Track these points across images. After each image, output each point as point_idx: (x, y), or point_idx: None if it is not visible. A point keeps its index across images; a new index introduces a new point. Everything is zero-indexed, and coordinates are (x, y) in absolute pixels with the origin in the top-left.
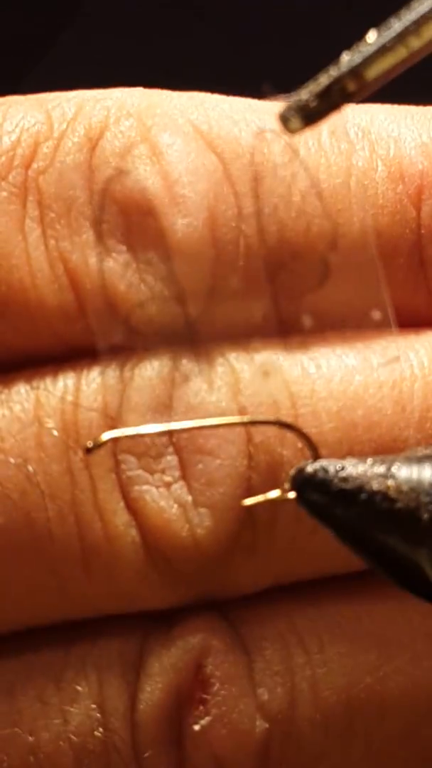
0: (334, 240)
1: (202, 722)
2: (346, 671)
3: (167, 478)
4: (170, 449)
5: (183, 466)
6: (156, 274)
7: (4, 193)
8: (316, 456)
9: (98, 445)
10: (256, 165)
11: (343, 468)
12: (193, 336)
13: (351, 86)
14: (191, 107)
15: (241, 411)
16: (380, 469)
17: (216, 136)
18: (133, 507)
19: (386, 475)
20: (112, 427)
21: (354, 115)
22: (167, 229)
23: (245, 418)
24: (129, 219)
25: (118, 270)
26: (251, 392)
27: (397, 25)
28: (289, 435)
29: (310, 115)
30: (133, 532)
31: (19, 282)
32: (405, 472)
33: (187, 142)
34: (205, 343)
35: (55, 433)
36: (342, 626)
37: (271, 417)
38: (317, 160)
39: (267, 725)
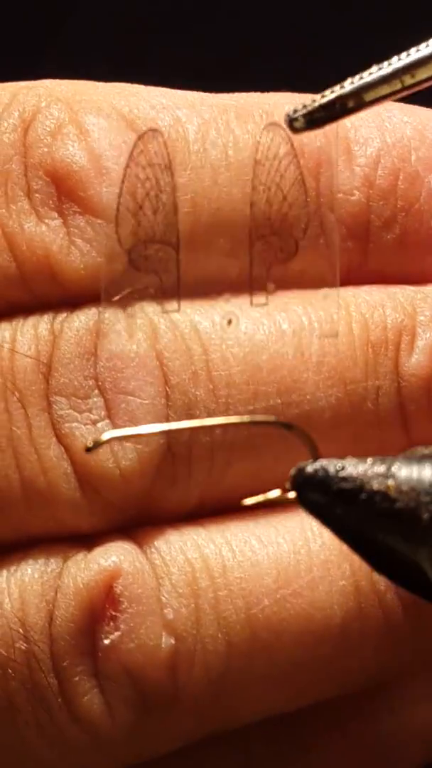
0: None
1: (112, 637)
2: (245, 594)
3: (94, 417)
4: (96, 391)
5: (108, 406)
6: (84, 237)
7: None
8: (316, 456)
9: (98, 445)
10: (171, 143)
11: (343, 468)
12: (115, 292)
13: (350, 103)
14: (113, 93)
15: (159, 357)
16: (380, 468)
17: (135, 117)
18: (64, 442)
19: (386, 475)
20: (45, 372)
21: (259, 101)
22: (94, 198)
23: (245, 419)
24: (60, 189)
25: (51, 234)
26: (167, 340)
27: (397, 63)
28: (203, 378)
29: (313, 121)
30: (65, 464)
31: None
32: (405, 472)
33: (110, 123)
34: (126, 299)
35: None
36: (244, 553)
37: (271, 418)
38: (227, 138)
39: (173, 641)
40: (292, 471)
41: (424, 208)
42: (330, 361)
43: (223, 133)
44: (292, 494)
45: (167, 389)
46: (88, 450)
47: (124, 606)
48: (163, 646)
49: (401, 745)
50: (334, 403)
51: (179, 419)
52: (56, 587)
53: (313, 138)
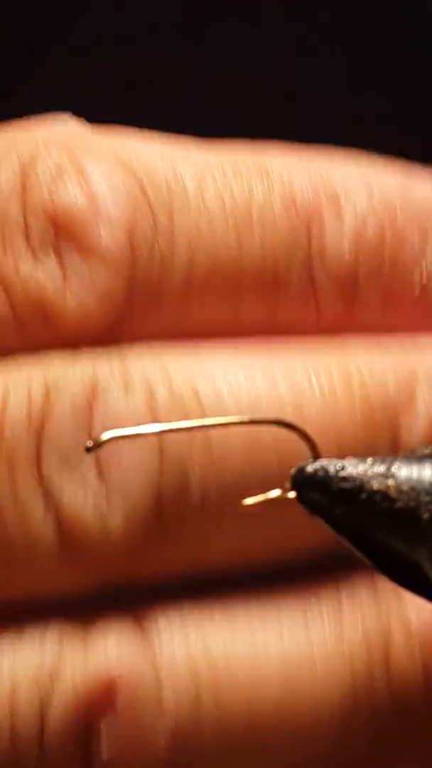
0: (240, 259)
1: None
2: (249, 698)
3: (85, 476)
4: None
5: (99, 466)
6: (80, 280)
7: None
8: (316, 456)
9: (98, 445)
10: (169, 189)
11: (343, 468)
12: (112, 340)
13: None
14: (110, 137)
15: (153, 414)
16: (380, 468)
17: (134, 161)
18: (51, 502)
19: (386, 475)
20: (37, 431)
21: (252, 154)
22: (92, 240)
23: (245, 418)
24: (58, 232)
25: (46, 276)
26: (163, 396)
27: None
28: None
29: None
30: (50, 522)
31: None
32: (405, 472)
33: (109, 166)
34: (123, 348)
35: None
36: (247, 653)
37: (271, 417)
38: (222, 192)
39: (172, 744)
40: (292, 470)
41: (408, 263)
42: (328, 418)
43: (219, 182)
44: (292, 494)
45: (161, 454)
46: (88, 450)
47: (121, 706)
48: (161, 742)
49: None
50: None
51: (173, 479)
52: (51, 684)
53: (305, 192)
